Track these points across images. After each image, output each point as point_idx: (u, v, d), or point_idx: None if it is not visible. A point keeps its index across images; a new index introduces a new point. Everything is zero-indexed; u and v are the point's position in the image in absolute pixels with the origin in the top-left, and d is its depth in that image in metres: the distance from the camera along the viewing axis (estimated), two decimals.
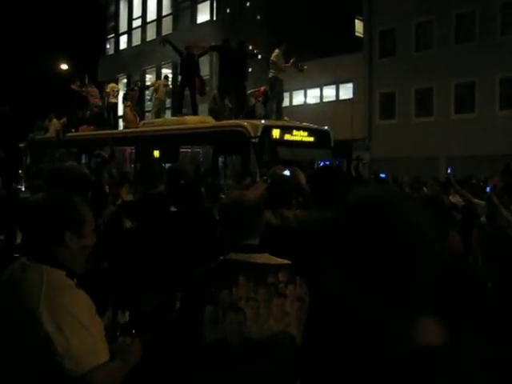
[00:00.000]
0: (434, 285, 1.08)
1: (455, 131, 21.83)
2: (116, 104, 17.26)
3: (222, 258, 2.48)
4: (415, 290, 1.05)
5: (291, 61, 12.72)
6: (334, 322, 1.20)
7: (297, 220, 3.49)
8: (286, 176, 5.07)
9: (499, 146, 19.64)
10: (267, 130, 11.18)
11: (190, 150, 12.94)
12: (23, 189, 10.80)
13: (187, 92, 14.23)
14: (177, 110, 14.91)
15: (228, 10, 29.41)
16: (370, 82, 25.51)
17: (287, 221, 3.96)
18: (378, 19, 25.18)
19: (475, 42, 22.01)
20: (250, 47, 13.77)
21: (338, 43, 25.05)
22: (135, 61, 31.72)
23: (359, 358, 1.10)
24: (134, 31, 34.90)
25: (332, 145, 12.55)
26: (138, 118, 16.15)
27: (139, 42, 34.08)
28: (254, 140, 10.91)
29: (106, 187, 7.71)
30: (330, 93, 27.84)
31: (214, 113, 13.14)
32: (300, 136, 11.92)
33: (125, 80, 32.54)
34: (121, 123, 17.71)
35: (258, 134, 10.97)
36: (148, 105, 21.66)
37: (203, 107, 14.71)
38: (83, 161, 15.66)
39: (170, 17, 32.12)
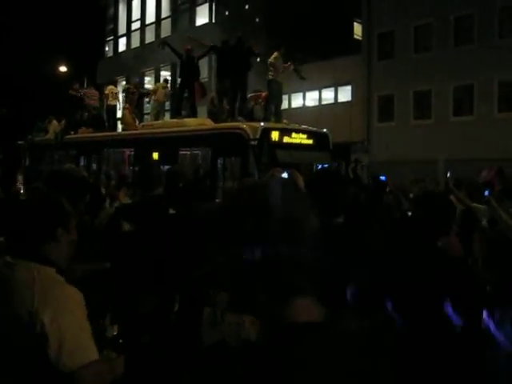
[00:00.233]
0: (314, 269, 1.18)
1: (454, 134, 21.85)
2: (115, 106, 17.25)
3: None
4: (286, 274, 1.15)
5: (289, 64, 12.73)
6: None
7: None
8: (284, 178, 5.08)
9: (498, 149, 19.67)
10: (266, 132, 11.18)
11: (189, 153, 12.94)
12: (22, 191, 10.80)
13: (186, 94, 14.24)
14: (176, 113, 14.92)
15: (227, 13, 29.46)
16: (368, 85, 25.55)
17: None
18: (377, 22, 25.23)
19: (474, 44, 22.06)
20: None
21: (337, 46, 25.09)
22: (134, 63, 31.74)
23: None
24: (132, 33, 34.93)
25: (331, 147, 12.55)
26: (137, 121, 16.15)
27: (138, 45, 34.12)
28: (252, 142, 10.91)
29: (103, 189, 7.71)
30: (328, 95, 27.88)
31: (213, 115, 13.15)
32: (299, 138, 11.92)
33: (124, 82, 32.52)
34: (119, 125, 17.71)
35: (257, 136, 10.97)
36: (147, 107, 21.68)
37: (202, 109, 14.73)
38: (82, 163, 15.67)
39: (169, 19, 32.16)
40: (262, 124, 11.44)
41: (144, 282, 3.59)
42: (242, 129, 11.21)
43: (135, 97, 16.56)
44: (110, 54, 37.09)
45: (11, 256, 2.17)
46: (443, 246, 2.62)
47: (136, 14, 34.58)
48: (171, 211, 4.18)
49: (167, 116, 17.46)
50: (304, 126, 12.82)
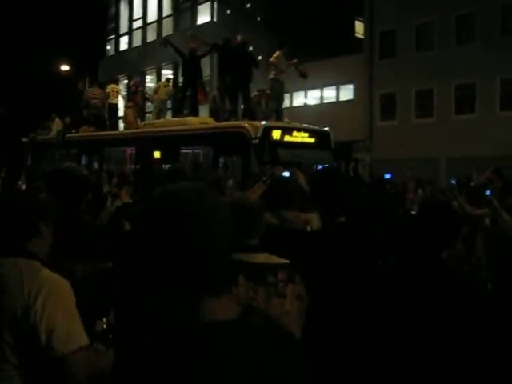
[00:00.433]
0: (225, 271, 1.24)
1: (456, 132, 21.83)
2: (116, 105, 17.25)
3: None
4: (202, 279, 1.20)
5: (295, 61, 12.71)
6: None
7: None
8: (286, 177, 5.08)
9: (500, 147, 19.64)
10: (268, 131, 11.17)
11: (190, 151, 12.94)
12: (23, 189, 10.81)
13: (188, 93, 14.23)
14: (178, 111, 14.91)
15: (228, 12, 29.45)
16: (370, 83, 25.53)
17: (287, 222, 3.96)
18: (379, 20, 25.20)
19: (476, 42, 22.03)
20: (251, 48, 13.76)
21: (339, 44, 25.08)
22: (136, 62, 31.76)
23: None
24: (134, 32, 34.95)
25: (332, 146, 12.54)
26: (139, 119, 16.14)
27: (140, 43, 34.13)
28: (254, 141, 10.91)
29: (105, 188, 7.71)
30: (330, 94, 27.87)
31: (215, 114, 13.15)
32: (300, 137, 11.91)
33: (125, 81, 32.56)
34: (121, 124, 17.71)
35: (259, 135, 10.96)
36: (149, 106, 21.67)
37: (204, 108, 14.72)
38: (83, 162, 15.67)
39: (171, 18, 32.16)
40: (263, 123, 11.43)
41: (146, 281, 3.58)
42: (244, 127, 11.20)
43: (137, 98, 16.56)
44: (112, 52, 37.11)
45: None
46: (447, 256, 2.60)
47: (138, 12, 34.59)
48: None
49: (169, 115, 17.45)
50: (306, 125, 12.81)
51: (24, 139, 19.57)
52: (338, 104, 27.03)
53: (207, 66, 22.68)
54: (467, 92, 22.55)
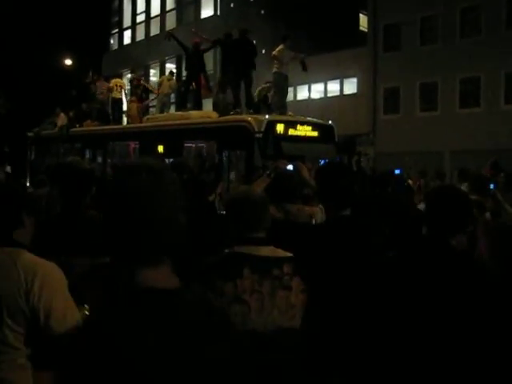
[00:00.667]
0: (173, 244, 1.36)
1: (460, 126, 21.76)
2: (120, 99, 17.24)
3: (227, 250, 2.50)
4: (140, 249, 1.33)
5: (302, 56, 12.68)
6: None
7: None
8: (289, 171, 5.07)
9: (504, 141, 19.58)
10: (271, 124, 11.15)
11: (194, 145, 12.93)
12: (28, 184, 10.84)
13: (192, 87, 14.21)
14: (181, 105, 14.90)
15: (232, 5, 29.35)
16: (374, 77, 25.45)
17: (291, 215, 3.96)
18: (383, 13, 25.09)
19: (480, 36, 21.91)
20: (254, 41, 13.70)
21: (343, 38, 24.99)
22: (139, 56, 31.71)
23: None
24: (137, 26, 34.91)
25: (336, 140, 12.51)
26: (142, 114, 16.13)
27: (143, 37, 34.10)
28: (257, 135, 10.88)
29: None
30: (334, 87, 27.79)
31: (218, 107, 13.13)
32: (304, 131, 11.88)
33: (129, 75, 32.48)
34: (125, 118, 17.71)
35: (262, 129, 10.93)
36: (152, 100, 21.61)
37: (208, 102, 14.69)
38: (87, 156, 15.69)
39: (174, 12, 32.10)
40: (267, 116, 11.40)
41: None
42: (247, 121, 11.18)
43: (139, 91, 16.57)
44: (115, 46, 37.09)
45: None
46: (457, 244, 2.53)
47: (141, 6, 34.54)
48: None
49: (172, 109, 17.44)
50: (309, 119, 12.78)
51: (29, 134, 19.59)
52: (341, 98, 26.95)
53: (210, 61, 22.68)
54: (472, 86, 22.45)
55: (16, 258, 2.29)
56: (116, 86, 16.98)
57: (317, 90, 28.30)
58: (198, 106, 14.02)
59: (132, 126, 15.34)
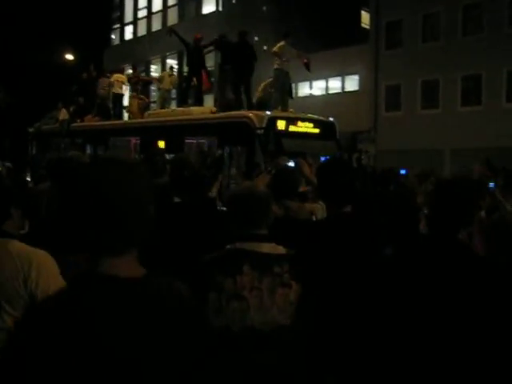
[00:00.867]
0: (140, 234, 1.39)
1: (461, 124, 21.73)
2: (121, 95, 17.23)
3: (228, 246, 2.49)
4: (103, 238, 1.34)
5: (306, 59, 12.69)
6: None
7: None
8: (290, 167, 5.06)
9: (506, 139, 19.55)
10: (272, 121, 11.14)
11: (195, 141, 12.92)
12: (28, 178, 10.81)
13: (193, 83, 14.20)
14: (182, 101, 14.89)
15: (234, 1, 29.30)
16: (375, 74, 25.41)
17: (291, 212, 3.95)
18: (385, 10, 25.03)
19: (482, 33, 21.86)
20: (256, 38, 13.68)
21: (344, 35, 24.95)
22: (140, 51, 31.68)
23: None
24: (139, 21, 34.85)
25: (337, 136, 12.50)
26: (143, 109, 16.13)
27: (145, 33, 34.05)
28: (259, 131, 10.87)
29: None
30: (335, 84, 27.76)
31: (220, 104, 13.13)
32: (305, 127, 11.87)
33: (130, 70, 32.50)
34: (126, 114, 17.70)
35: (263, 125, 10.92)
36: (153, 95, 21.62)
37: (209, 98, 14.68)
38: (88, 151, 15.68)
39: (176, 7, 32.03)
40: (268, 113, 11.39)
41: (149, 269, 3.58)
42: (249, 117, 11.17)
43: (138, 86, 16.59)
44: (117, 42, 37.03)
45: None
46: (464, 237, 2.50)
47: (142, 1, 34.47)
48: (176, 199, 4.16)
49: (173, 104, 17.42)
50: (310, 115, 12.76)
51: (30, 129, 19.58)
52: (343, 94, 26.93)
53: (211, 58, 22.63)
54: (473, 83, 22.41)
55: (10, 247, 2.41)
56: (117, 81, 16.97)
57: (318, 87, 28.26)
58: (199, 102, 14.01)
59: (133, 121, 15.34)
